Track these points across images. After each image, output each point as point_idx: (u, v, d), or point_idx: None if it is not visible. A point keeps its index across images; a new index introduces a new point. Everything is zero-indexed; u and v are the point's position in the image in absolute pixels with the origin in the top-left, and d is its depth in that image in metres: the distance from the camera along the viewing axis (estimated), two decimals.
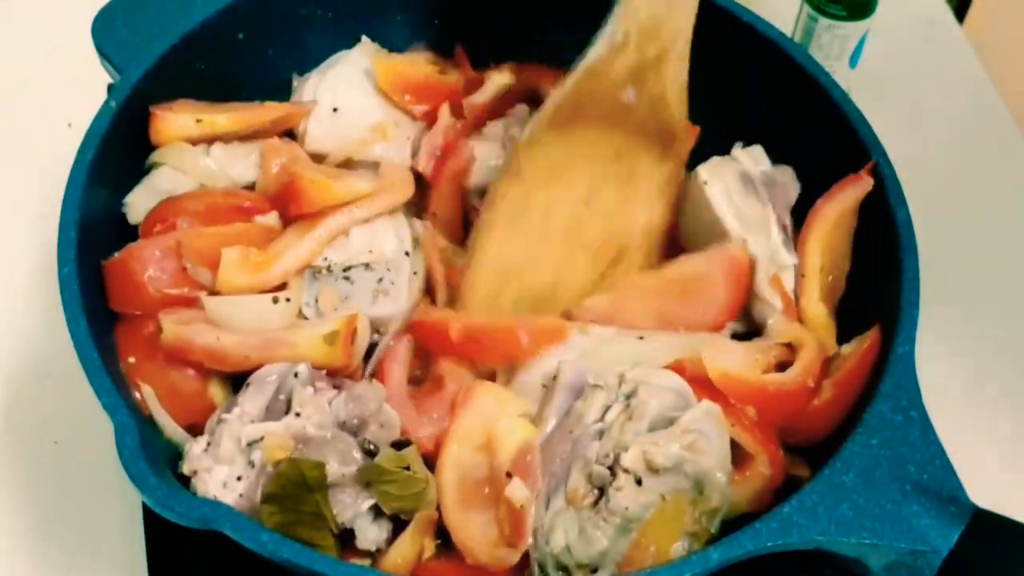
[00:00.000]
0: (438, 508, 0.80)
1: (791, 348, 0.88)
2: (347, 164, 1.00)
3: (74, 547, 0.93)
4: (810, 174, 0.98)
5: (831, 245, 0.92)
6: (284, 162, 0.95)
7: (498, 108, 1.06)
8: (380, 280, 0.90)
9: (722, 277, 0.90)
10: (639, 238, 0.95)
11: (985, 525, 0.73)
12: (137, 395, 0.82)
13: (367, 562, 0.79)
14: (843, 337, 0.89)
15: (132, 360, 0.83)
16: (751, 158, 0.95)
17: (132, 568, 0.91)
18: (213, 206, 0.91)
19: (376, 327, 0.90)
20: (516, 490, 0.76)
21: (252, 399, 0.80)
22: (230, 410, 0.80)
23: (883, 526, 0.73)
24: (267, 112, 0.99)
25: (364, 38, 1.08)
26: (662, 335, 0.88)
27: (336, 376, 0.85)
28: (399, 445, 0.80)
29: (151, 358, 0.83)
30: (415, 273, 0.93)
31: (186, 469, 0.78)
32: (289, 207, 0.91)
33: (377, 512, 0.79)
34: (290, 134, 1.01)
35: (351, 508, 0.78)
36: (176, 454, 0.81)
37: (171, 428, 0.82)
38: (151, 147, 0.94)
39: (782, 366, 0.87)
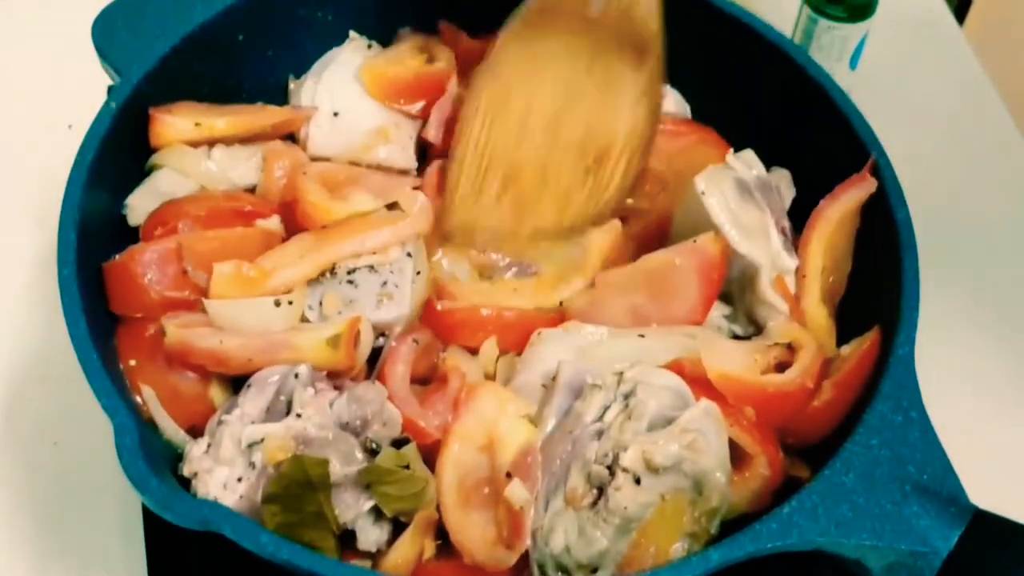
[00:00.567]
0: (438, 508, 0.80)
1: (791, 349, 0.88)
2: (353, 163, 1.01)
3: (74, 548, 0.93)
4: (810, 175, 0.98)
5: (833, 246, 0.92)
6: (287, 167, 0.95)
7: None
8: (384, 284, 0.90)
9: (694, 271, 0.90)
10: (622, 139, 0.95)
11: (985, 526, 0.73)
12: (138, 397, 0.82)
13: (367, 563, 0.79)
14: (843, 337, 0.89)
15: (133, 362, 0.83)
16: (744, 163, 0.95)
17: (132, 569, 0.91)
18: (214, 210, 0.91)
19: (380, 331, 0.90)
20: (516, 491, 0.76)
21: (253, 400, 0.80)
22: (230, 411, 0.80)
23: (883, 527, 0.73)
24: (267, 116, 0.99)
25: (352, 33, 1.08)
26: (662, 333, 0.88)
27: (339, 379, 0.85)
28: (399, 443, 0.80)
29: (152, 360, 0.83)
30: (418, 273, 0.92)
31: (186, 471, 0.78)
32: (294, 218, 0.92)
33: (378, 513, 0.79)
34: (291, 136, 1.01)
35: (352, 509, 0.78)
36: (176, 456, 0.81)
37: (172, 430, 0.82)
38: (151, 149, 0.94)
39: (782, 367, 0.87)
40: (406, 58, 1.06)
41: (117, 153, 0.89)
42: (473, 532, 0.78)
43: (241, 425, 0.79)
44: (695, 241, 0.90)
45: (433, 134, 1.00)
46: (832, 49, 1.22)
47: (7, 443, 0.99)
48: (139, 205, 0.92)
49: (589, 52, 0.94)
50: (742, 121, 1.00)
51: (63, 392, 1.01)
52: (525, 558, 0.76)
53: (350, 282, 0.90)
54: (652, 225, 0.99)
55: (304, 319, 0.88)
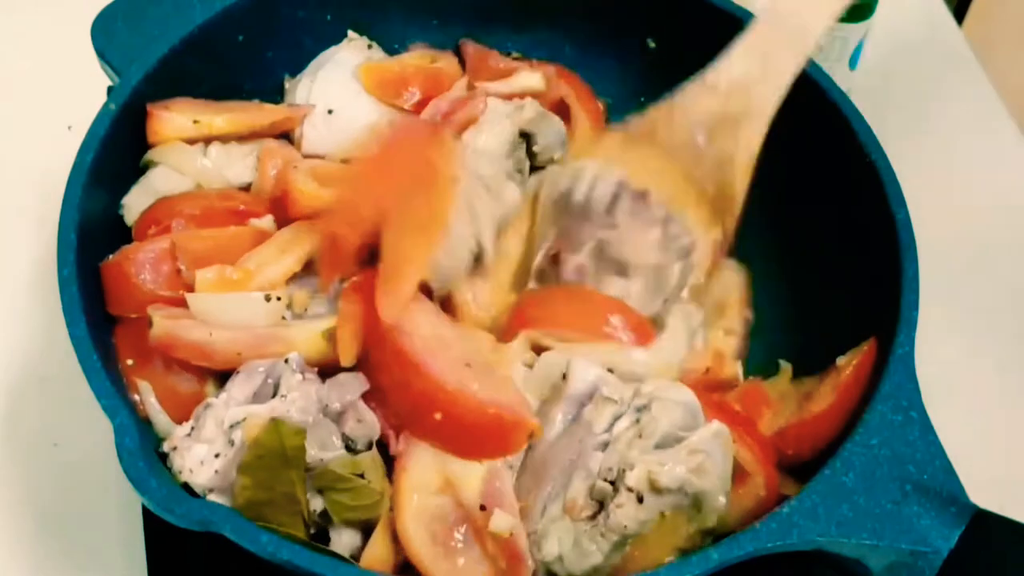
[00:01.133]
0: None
1: None
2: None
3: (74, 549, 0.93)
4: (809, 176, 0.98)
5: None
6: (280, 165, 0.95)
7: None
8: None
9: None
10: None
11: (985, 525, 0.73)
12: (136, 396, 0.82)
13: None
14: (842, 338, 0.89)
15: (130, 362, 0.83)
16: None
17: (132, 569, 0.91)
18: (208, 209, 0.91)
19: None
20: (499, 521, 0.74)
21: (240, 386, 0.80)
22: (217, 397, 0.80)
23: (883, 526, 0.73)
24: (265, 114, 0.99)
25: (351, 33, 1.08)
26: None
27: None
28: (371, 446, 0.80)
29: (149, 360, 0.83)
30: None
31: (166, 446, 0.78)
32: (284, 212, 0.91)
33: None
34: (287, 136, 1.01)
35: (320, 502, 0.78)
36: None
37: (166, 426, 0.82)
38: (150, 148, 0.94)
39: None
40: (407, 58, 1.06)
41: (117, 154, 0.89)
42: None
43: (226, 408, 0.78)
44: None
45: None
46: (831, 49, 1.22)
47: (7, 443, 0.99)
48: (134, 204, 0.92)
49: (675, 180, 0.92)
50: None
51: (63, 392, 1.01)
52: None
53: None
54: None
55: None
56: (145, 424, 0.81)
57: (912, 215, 0.87)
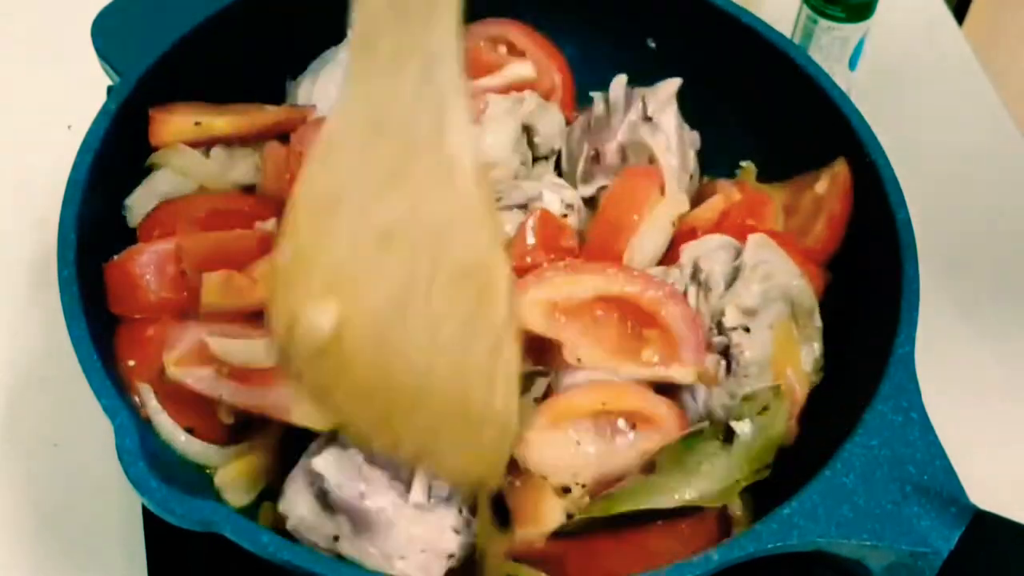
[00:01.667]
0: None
1: None
2: None
3: (74, 549, 0.93)
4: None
5: None
6: (283, 166, 0.95)
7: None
8: None
9: None
10: None
11: (986, 526, 0.73)
12: (136, 397, 0.82)
13: None
14: (841, 350, 0.89)
15: (132, 363, 0.83)
16: None
17: (132, 569, 0.91)
18: (213, 211, 0.91)
19: None
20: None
21: None
22: None
23: (883, 527, 0.73)
24: (266, 115, 0.98)
25: (350, 32, 1.07)
26: None
27: None
28: None
29: (151, 361, 0.83)
30: None
31: None
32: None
33: None
34: (290, 136, 1.01)
35: None
36: (175, 457, 0.81)
37: (169, 429, 0.82)
38: (151, 149, 0.94)
39: None
40: None
41: (117, 154, 0.89)
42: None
43: None
44: None
45: None
46: (831, 49, 1.22)
47: (7, 443, 0.99)
48: (138, 206, 0.92)
49: None
50: (740, 121, 1.01)
51: (63, 392, 1.01)
52: None
53: None
54: None
55: None
56: (146, 425, 0.81)
57: (912, 215, 0.87)
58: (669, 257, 0.93)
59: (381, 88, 0.63)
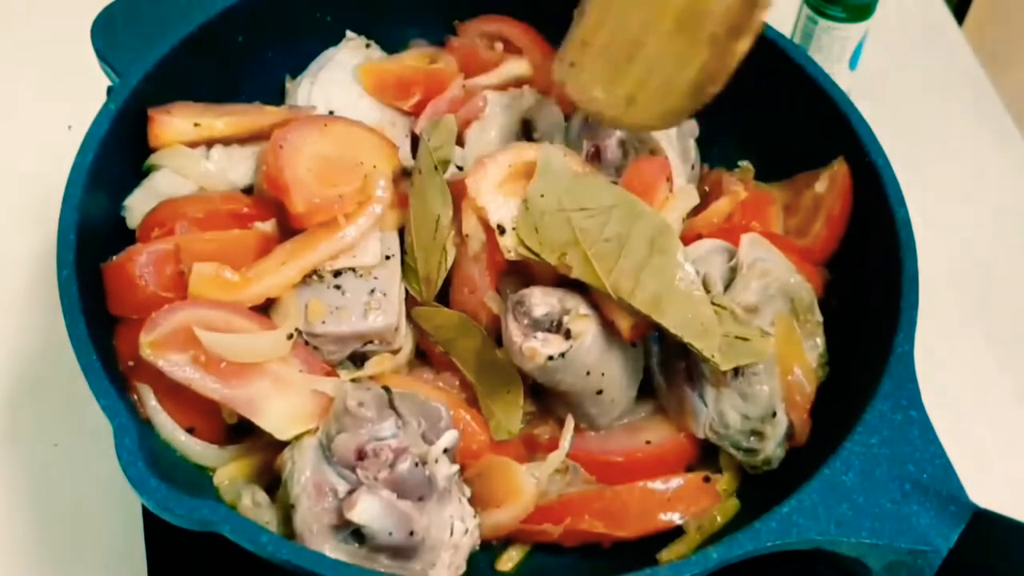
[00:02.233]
0: None
1: None
2: None
3: (74, 548, 0.93)
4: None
5: None
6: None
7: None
8: (372, 291, 0.89)
9: None
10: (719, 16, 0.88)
11: (985, 525, 0.73)
12: (135, 397, 0.82)
13: None
14: (844, 342, 0.89)
15: (132, 363, 0.83)
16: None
17: (132, 569, 0.91)
18: (212, 212, 0.91)
19: (368, 339, 0.89)
20: None
21: None
22: None
23: (883, 526, 0.73)
24: (265, 116, 0.98)
25: (349, 33, 1.08)
26: None
27: None
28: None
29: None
30: (389, 258, 0.91)
31: None
32: (284, 212, 0.91)
33: None
34: None
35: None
36: (175, 457, 0.81)
37: (169, 429, 0.82)
38: (151, 150, 0.94)
39: None
40: (407, 59, 1.06)
41: (117, 154, 0.89)
42: None
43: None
44: None
45: (421, 127, 0.99)
46: (832, 49, 1.22)
47: (7, 443, 0.99)
48: (137, 206, 0.92)
49: None
50: (741, 121, 1.00)
51: (63, 392, 1.01)
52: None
53: (337, 287, 0.88)
54: None
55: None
56: (146, 424, 0.81)
57: (912, 214, 0.87)
58: None
59: None
